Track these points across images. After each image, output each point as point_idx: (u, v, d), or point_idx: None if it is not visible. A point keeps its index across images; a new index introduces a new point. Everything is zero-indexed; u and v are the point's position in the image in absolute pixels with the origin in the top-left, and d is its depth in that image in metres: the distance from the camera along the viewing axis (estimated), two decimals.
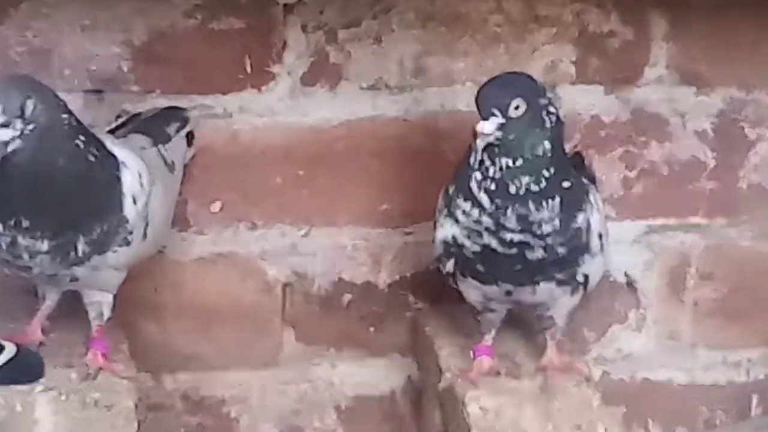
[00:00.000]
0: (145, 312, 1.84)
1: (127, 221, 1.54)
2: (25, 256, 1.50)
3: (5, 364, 1.49)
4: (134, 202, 1.54)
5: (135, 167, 1.56)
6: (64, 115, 1.49)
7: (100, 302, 1.62)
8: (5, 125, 1.43)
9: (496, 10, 1.88)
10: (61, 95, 1.58)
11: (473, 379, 1.66)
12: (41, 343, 1.63)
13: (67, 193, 1.49)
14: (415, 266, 1.93)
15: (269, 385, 1.93)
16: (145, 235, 1.57)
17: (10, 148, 1.43)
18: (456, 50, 1.88)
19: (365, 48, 1.86)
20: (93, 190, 1.52)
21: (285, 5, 1.82)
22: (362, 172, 1.89)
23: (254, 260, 1.89)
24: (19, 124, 1.43)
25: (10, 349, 1.50)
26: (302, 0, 1.83)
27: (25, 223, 1.47)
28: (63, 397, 1.53)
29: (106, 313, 1.63)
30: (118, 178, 1.54)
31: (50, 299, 1.65)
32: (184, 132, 1.78)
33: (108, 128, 1.73)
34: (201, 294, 1.88)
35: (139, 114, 1.78)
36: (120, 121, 1.77)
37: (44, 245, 1.49)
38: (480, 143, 1.51)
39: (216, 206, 1.87)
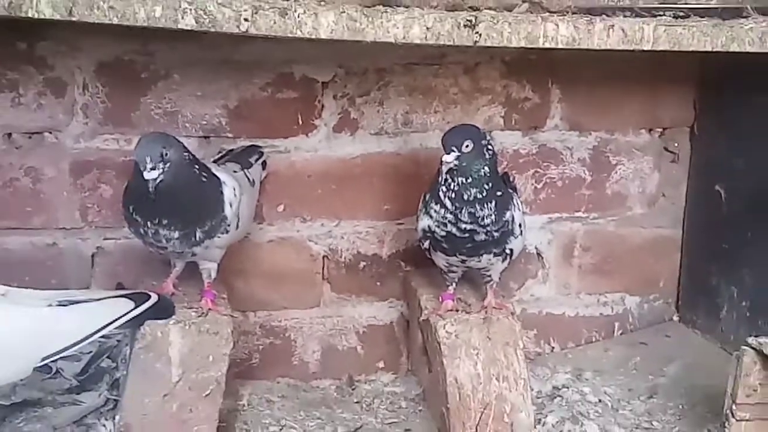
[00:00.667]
0: (237, 274, 1.84)
1: (226, 218, 1.55)
2: (163, 241, 1.51)
3: (150, 307, 1.47)
4: (230, 206, 1.55)
5: (230, 184, 1.57)
6: (185, 154, 1.51)
7: (209, 268, 1.62)
8: (154, 168, 1.43)
9: (454, 84, 1.91)
10: (183, 140, 1.60)
11: (441, 314, 1.67)
12: (173, 294, 1.63)
13: (189, 202, 1.51)
14: (404, 244, 1.93)
15: (314, 319, 1.93)
16: (237, 226, 1.59)
17: (157, 181, 1.44)
18: (429, 109, 1.90)
19: (373, 108, 1.88)
20: (205, 200, 1.53)
21: (322, 83, 1.84)
22: (371, 186, 1.91)
23: (304, 241, 1.90)
24: (161, 165, 1.44)
25: (153, 298, 1.48)
26: (333, 79, 1.85)
27: (164, 221, 1.49)
28: (186, 327, 1.52)
29: (213, 275, 1.62)
30: (221, 192, 1.55)
31: (178, 266, 1.65)
32: (260, 161, 1.79)
33: (213, 159, 1.74)
34: (271, 263, 1.89)
35: (232, 150, 1.79)
36: (220, 154, 1.78)
37: (175, 234, 1.50)
38: (444, 168, 1.53)
39: (281, 207, 1.88)
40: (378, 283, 1.94)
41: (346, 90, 1.86)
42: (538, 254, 2.01)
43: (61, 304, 1.37)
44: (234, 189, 1.56)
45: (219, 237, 1.54)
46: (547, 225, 2.00)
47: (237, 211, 1.57)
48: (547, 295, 2.03)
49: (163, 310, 1.49)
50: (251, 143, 1.81)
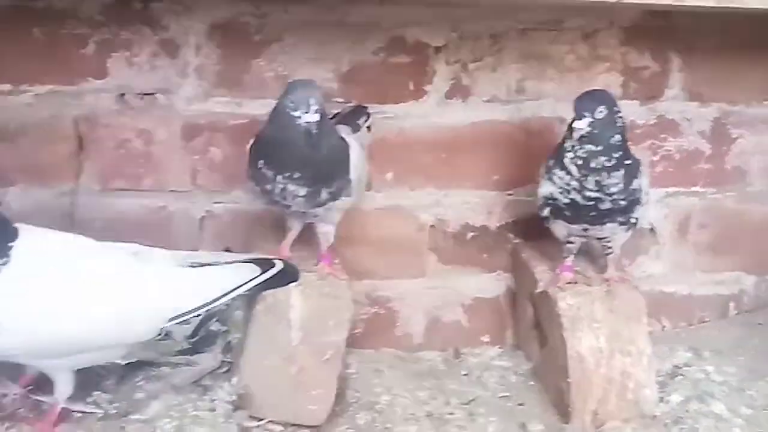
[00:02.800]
0: (343, 242, 1.79)
1: (350, 181, 1.53)
2: (289, 199, 1.49)
3: (276, 274, 1.45)
4: (354, 170, 1.53)
5: (356, 148, 1.55)
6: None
7: (327, 232, 1.60)
8: (317, 112, 1.41)
9: (571, 51, 1.85)
10: None
11: (561, 286, 1.63)
12: (289, 258, 1.60)
13: (324, 158, 1.48)
14: (513, 215, 1.90)
15: (419, 290, 1.90)
16: (356, 191, 1.57)
17: (315, 126, 1.41)
18: (544, 77, 1.85)
19: (486, 75, 1.84)
20: (336, 159, 1.51)
21: (435, 47, 1.80)
22: (481, 155, 1.86)
23: (412, 210, 1.87)
24: (320, 110, 1.42)
25: (279, 264, 1.46)
26: (446, 44, 1.81)
27: (296, 175, 1.46)
28: (308, 291, 1.51)
29: (331, 239, 1.61)
30: (348, 155, 1.52)
31: (295, 229, 1.63)
32: (367, 123, 1.74)
33: None
34: (377, 231, 1.86)
35: (338, 112, 1.74)
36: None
37: (303, 191, 1.48)
38: (576, 134, 1.48)
39: (389, 176, 1.85)
40: (485, 255, 1.90)
41: (459, 55, 1.81)
42: (652, 229, 1.95)
43: (190, 266, 1.36)
44: (357, 153, 1.54)
45: (342, 200, 1.53)
46: (662, 200, 1.94)
47: (359, 175, 1.55)
48: (660, 272, 1.97)
49: (288, 276, 1.47)
50: (357, 104, 1.77)
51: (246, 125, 1.77)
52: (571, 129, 1.49)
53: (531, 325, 1.77)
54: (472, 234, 1.89)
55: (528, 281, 1.75)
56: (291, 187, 1.46)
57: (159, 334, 1.37)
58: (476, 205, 1.88)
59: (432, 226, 1.88)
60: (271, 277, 1.42)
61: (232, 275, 1.39)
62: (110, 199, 1.77)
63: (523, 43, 1.82)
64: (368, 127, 1.75)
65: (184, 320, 1.37)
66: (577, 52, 1.84)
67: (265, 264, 1.43)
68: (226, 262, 1.40)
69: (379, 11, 1.72)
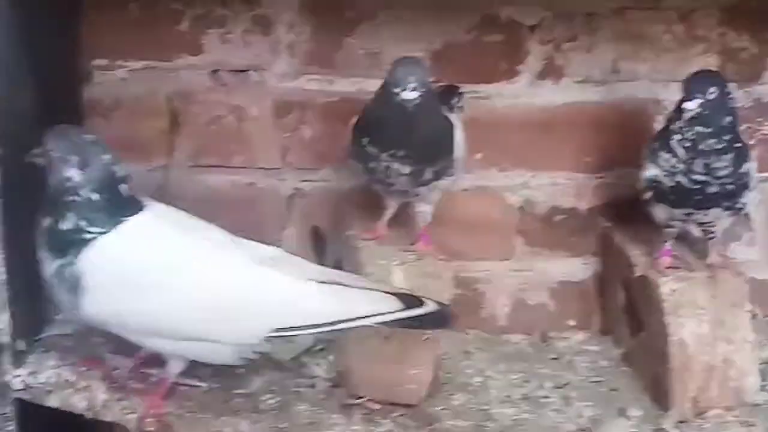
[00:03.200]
0: (432, 222, 1.75)
1: (454, 161, 1.52)
2: (393, 177, 1.48)
3: (420, 315, 1.32)
4: (458, 149, 1.51)
5: (458, 127, 1.54)
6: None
7: (425, 211, 1.58)
8: (414, 89, 1.40)
9: (668, 31, 1.81)
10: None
11: (662, 270, 1.60)
12: (383, 237, 1.59)
13: (430, 137, 1.47)
14: (604, 198, 1.87)
15: (506, 272, 1.88)
16: (459, 172, 1.56)
17: (414, 103, 1.40)
18: (639, 57, 1.81)
19: (580, 55, 1.80)
20: (442, 138, 1.50)
21: (529, 27, 1.78)
22: (573, 137, 1.83)
23: (500, 191, 1.85)
24: (421, 88, 1.41)
25: (429, 306, 1.32)
26: (540, 24, 1.78)
27: (400, 153, 1.45)
28: (409, 269, 1.48)
29: (428, 219, 1.59)
30: (452, 134, 1.51)
31: (391, 208, 1.61)
32: (460, 104, 1.71)
33: None
34: (465, 212, 1.84)
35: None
36: None
37: (407, 170, 1.47)
38: (686, 115, 1.45)
39: (478, 156, 1.82)
40: (573, 238, 1.88)
41: (553, 35, 1.79)
42: (745, 215, 1.87)
43: (322, 282, 1.31)
44: (460, 131, 1.53)
45: (444, 180, 1.52)
46: (758, 185, 1.86)
47: (461, 154, 1.53)
48: (753, 260, 1.91)
49: (437, 320, 1.33)
50: (449, 83, 1.74)
51: (337, 103, 1.77)
52: (679, 110, 1.45)
53: (622, 310, 1.75)
54: (560, 217, 1.87)
55: (621, 265, 1.71)
56: (395, 165, 1.45)
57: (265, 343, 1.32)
58: (565, 187, 1.86)
59: (520, 207, 1.86)
60: (411, 318, 1.30)
61: (365, 302, 1.29)
62: (201, 175, 1.78)
63: (619, 22, 1.78)
64: (461, 107, 1.72)
65: (295, 335, 1.32)
66: (673, 32, 1.80)
67: (410, 301, 1.30)
68: (364, 288, 1.32)
69: None
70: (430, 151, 1.48)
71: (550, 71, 1.81)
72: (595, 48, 1.80)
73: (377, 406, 1.44)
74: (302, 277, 1.29)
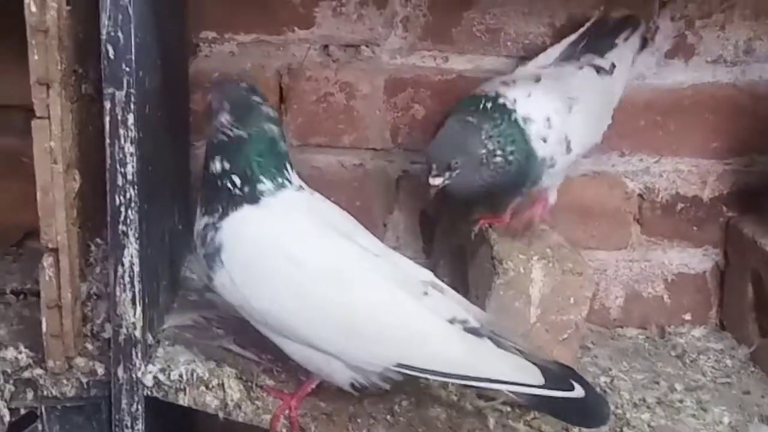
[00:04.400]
0: None
1: (542, 157, 1.44)
2: None
3: (563, 399, 1.18)
4: (544, 141, 1.43)
5: (541, 115, 1.44)
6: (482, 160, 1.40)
7: (549, 191, 1.54)
8: (438, 175, 1.37)
9: None
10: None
11: None
12: (508, 223, 1.54)
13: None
14: (729, 187, 1.77)
15: (620, 262, 1.80)
16: (568, 149, 1.47)
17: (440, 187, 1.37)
18: None
19: (713, 33, 1.71)
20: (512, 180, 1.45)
21: (661, 1, 1.68)
22: (700, 121, 1.74)
23: (619, 176, 1.77)
24: (447, 174, 1.38)
25: (576, 391, 1.18)
26: None
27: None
28: (550, 265, 1.41)
29: (553, 198, 1.56)
30: (525, 139, 1.43)
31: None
32: (636, 36, 1.60)
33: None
34: (581, 198, 1.77)
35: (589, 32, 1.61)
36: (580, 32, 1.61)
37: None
38: None
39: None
40: (695, 228, 1.79)
41: (686, 11, 1.69)
42: None
43: (469, 330, 1.21)
44: (548, 119, 1.44)
45: (545, 178, 1.48)
46: None
47: (560, 136, 1.44)
48: None
49: (584, 412, 1.18)
50: (619, 17, 1.62)
51: (452, 81, 1.70)
52: None
53: (750, 306, 1.66)
54: (682, 205, 1.78)
55: (752, 259, 1.63)
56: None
57: (388, 377, 1.23)
58: (689, 174, 1.77)
59: (640, 194, 1.77)
60: (549, 398, 1.17)
61: (502, 364, 1.18)
62: (308, 154, 1.72)
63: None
64: (642, 39, 1.61)
65: (419, 376, 1.22)
66: None
67: (555, 379, 1.17)
68: (508, 350, 1.21)
69: None
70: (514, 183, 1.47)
71: (681, 50, 1.71)
72: (730, 26, 1.70)
73: (507, 409, 1.37)
74: (447, 315, 1.20)
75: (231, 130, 1.21)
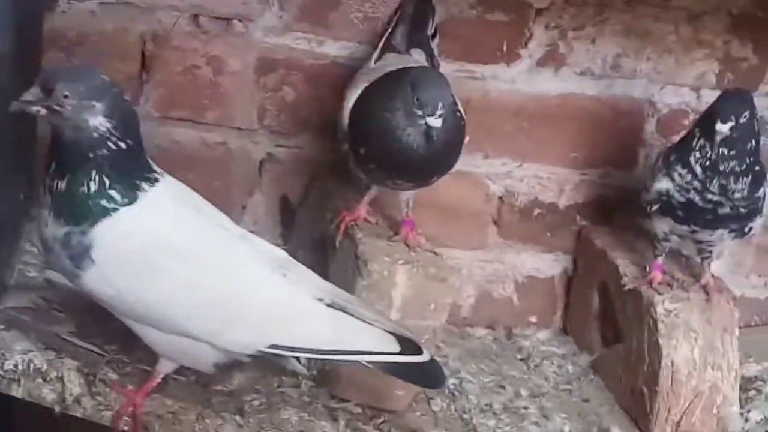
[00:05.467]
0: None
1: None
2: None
3: (414, 363, 1.23)
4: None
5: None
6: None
7: (409, 198, 1.52)
8: (439, 116, 1.32)
9: (674, 32, 1.76)
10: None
11: (655, 287, 1.55)
12: (365, 219, 1.51)
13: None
14: (585, 197, 1.81)
15: (475, 261, 1.82)
16: None
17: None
18: (642, 55, 1.76)
19: (584, 45, 1.73)
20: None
21: (537, 9, 1.69)
22: (564, 130, 1.77)
23: (482, 178, 1.78)
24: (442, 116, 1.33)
25: (424, 355, 1.23)
26: (549, 7, 1.70)
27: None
28: (414, 270, 1.39)
29: (410, 206, 1.53)
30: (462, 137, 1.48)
31: (373, 190, 1.53)
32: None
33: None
34: (443, 197, 1.74)
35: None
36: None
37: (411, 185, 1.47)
38: (718, 138, 1.41)
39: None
40: (548, 234, 1.82)
41: (560, 21, 1.70)
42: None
43: (329, 306, 1.20)
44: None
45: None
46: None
47: None
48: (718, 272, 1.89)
49: (427, 375, 1.24)
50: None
51: (325, 66, 1.66)
52: (708, 130, 1.40)
53: (594, 315, 1.71)
54: (539, 211, 1.81)
55: (602, 270, 1.68)
56: (399, 181, 1.41)
57: (254, 356, 1.20)
58: (548, 181, 1.80)
59: (500, 197, 1.79)
60: (403, 364, 1.21)
61: (366, 337, 1.20)
62: (168, 128, 1.63)
63: (627, 16, 1.72)
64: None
65: (290, 355, 1.22)
66: (679, 33, 1.75)
67: (408, 346, 1.21)
68: (366, 321, 1.21)
69: None
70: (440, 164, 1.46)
71: (552, 59, 1.73)
72: (600, 39, 1.73)
73: (358, 410, 1.36)
74: (310, 293, 1.19)
75: (107, 142, 1.12)
